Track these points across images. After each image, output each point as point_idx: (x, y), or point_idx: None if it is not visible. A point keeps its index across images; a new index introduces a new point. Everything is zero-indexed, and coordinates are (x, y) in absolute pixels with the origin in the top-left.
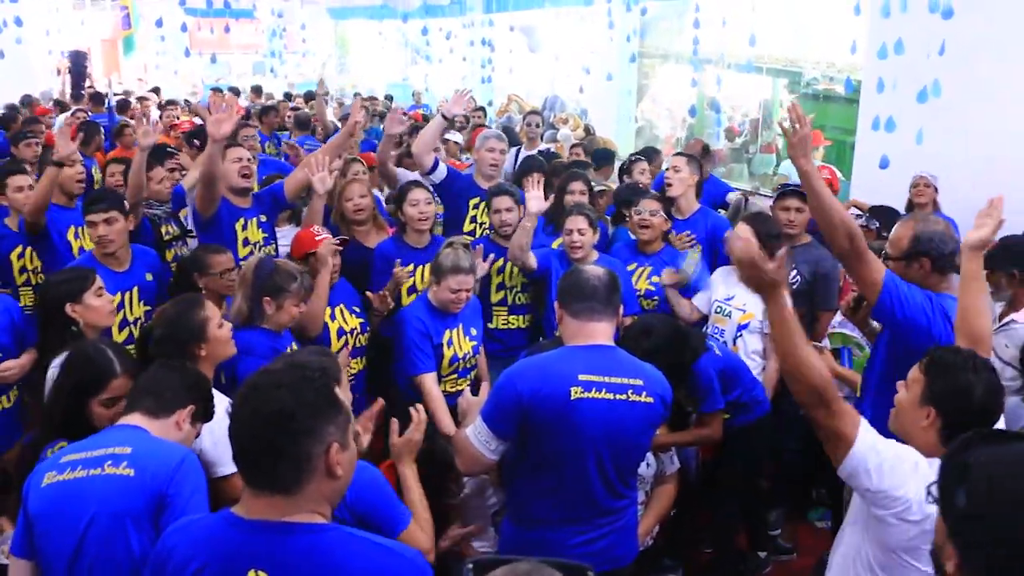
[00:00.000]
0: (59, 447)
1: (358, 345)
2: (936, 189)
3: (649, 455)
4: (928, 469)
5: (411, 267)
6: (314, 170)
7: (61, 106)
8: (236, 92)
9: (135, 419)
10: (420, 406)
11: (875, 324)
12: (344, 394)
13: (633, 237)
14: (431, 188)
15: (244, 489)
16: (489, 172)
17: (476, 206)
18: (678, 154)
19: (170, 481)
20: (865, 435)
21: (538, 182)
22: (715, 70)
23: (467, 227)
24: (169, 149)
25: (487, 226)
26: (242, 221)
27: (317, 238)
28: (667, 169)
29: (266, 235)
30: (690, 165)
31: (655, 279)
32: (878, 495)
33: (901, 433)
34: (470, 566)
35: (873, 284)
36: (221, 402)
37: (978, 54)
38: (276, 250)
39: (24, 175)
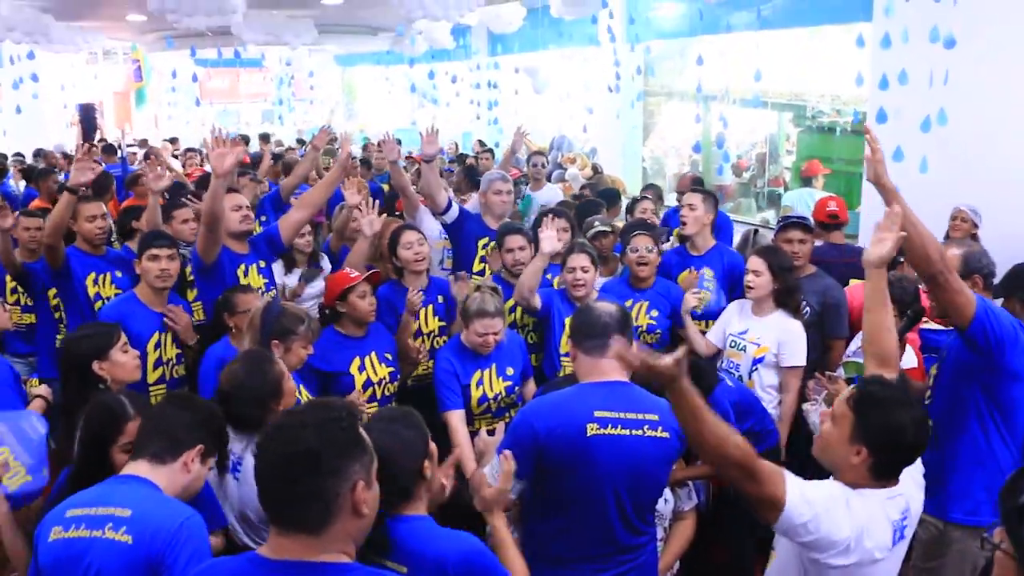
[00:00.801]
0: None
1: (387, 394)
2: (975, 224)
3: (667, 491)
4: (861, 506)
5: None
6: (363, 214)
7: (69, 159)
8: (246, 140)
9: (141, 468)
10: (508, 453)
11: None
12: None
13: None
14: (441, 226)
15: (271, 530)
16: (499, 213)
17: (485, 246)
18: (694, 190)
19: (168, 547)
20: (793, 491)
21: (553, 222)
22: (720, 106)
23: (476, 267)
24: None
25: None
26: (243, 267)
27: (352, 275)
28: (682, 207)
29: (267, 280)
30: (705, 203)
31: (655, 313)
32: (815, 544)
33: (828, 466)
34: None
35: (967, 304)
36: None
37: (982, 82)
38: (276, 295)
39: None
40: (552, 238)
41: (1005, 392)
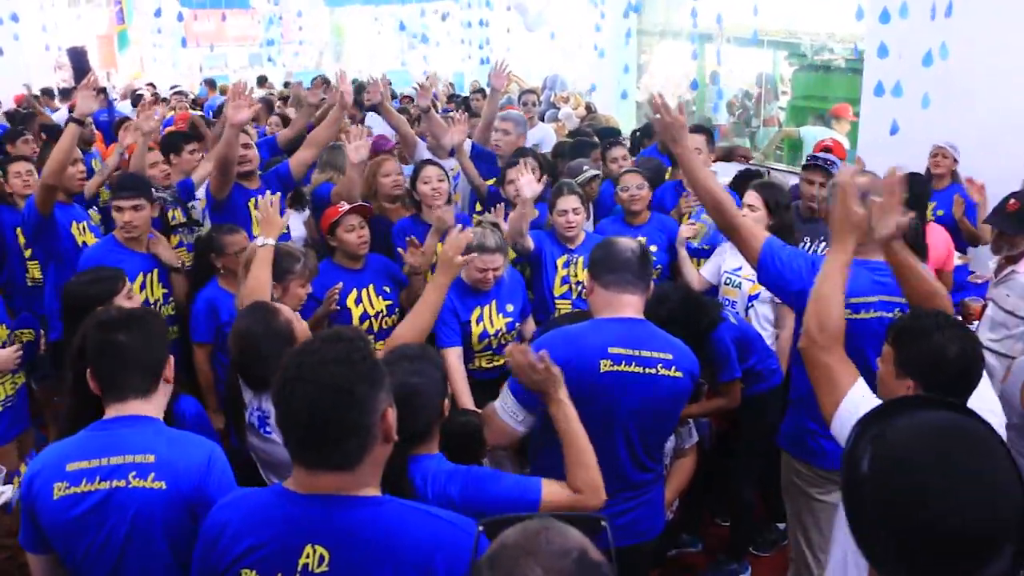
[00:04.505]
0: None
1: (384, 327)
2: (955, 160)
3: None
4: None
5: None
6: (351, 139)
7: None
8: (262, 80)
9: (133, 407)
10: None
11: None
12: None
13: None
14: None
15: (297, 468)
16: (500, 152)
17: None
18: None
19: (202, 482)
20: (861, 388)
21: (527, 166)
22: (714, 45)
23: (479, 206)
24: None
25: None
26: (253, 201)
27: (340, 208)
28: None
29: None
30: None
31: (653, 248)
32: None
33: None
34: (480, 528)
35: (751, 251)
36: None
37: (984, 14)
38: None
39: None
40: (532, 181)
41: None
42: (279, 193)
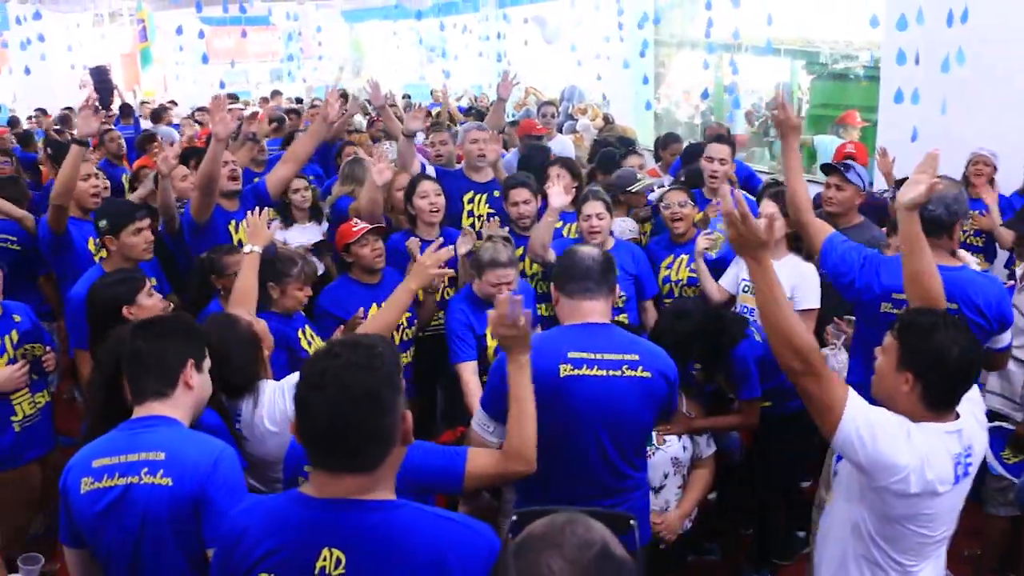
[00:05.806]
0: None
1: (405, 339)
2: (995, 168)
3: (686, 438)
4: (921, 438)
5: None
6: (375, 163)
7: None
8: (274, 94)
9: (151, 408)
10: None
11: None
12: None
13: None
14: None
15: (316, 472)
16: (476, 164)
17: (471, 200)
18: (720, 139)
19: (207, 481)
20: (855, 402)
21: (559, 176)
22: (730, 54)
23: (466, 222)
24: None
25: (484, 217)
26: (234, 223)
27: (354, 228)
28: (710, 159)
29: None
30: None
31: (694, 266)
32: (873, 465)
33: (884, 400)
34: (515, 518)
35: (815, 245)
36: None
37: (1000, 18)
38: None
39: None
40: (560, 193)
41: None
42: (267, 208)
